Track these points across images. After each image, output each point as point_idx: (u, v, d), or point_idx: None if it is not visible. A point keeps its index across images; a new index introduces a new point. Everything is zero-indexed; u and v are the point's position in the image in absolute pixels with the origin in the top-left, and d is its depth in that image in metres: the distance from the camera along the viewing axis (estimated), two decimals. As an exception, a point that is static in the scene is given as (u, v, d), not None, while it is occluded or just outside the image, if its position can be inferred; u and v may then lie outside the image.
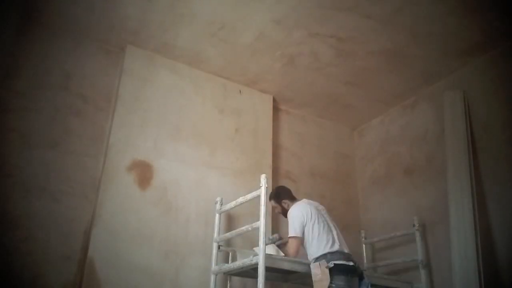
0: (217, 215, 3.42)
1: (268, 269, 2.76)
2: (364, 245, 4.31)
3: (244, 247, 3.50)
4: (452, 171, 3.61)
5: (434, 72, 4.04)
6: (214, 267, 3.24)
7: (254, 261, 2.79)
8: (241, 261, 2.95)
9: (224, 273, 3.23)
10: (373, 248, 4.38)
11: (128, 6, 3.39)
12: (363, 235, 4.35)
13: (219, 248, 3.33)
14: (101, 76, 3.73)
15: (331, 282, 2.76)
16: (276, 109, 4.53)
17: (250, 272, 3.09)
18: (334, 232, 3.06)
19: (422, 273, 3.66)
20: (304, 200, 3.27)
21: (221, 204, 3.43)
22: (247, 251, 3.22)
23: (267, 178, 2.99)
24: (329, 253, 2.91)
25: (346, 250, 3.00)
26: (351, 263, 2.90)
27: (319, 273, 2.79)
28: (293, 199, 3.36)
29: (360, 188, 4.79)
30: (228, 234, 3.33)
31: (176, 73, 3.97)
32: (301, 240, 3.05)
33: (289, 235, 3.09)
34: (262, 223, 2.83)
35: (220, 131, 4.02)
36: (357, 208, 4.70)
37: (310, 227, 3.03)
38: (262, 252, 2.73)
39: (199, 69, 4.08)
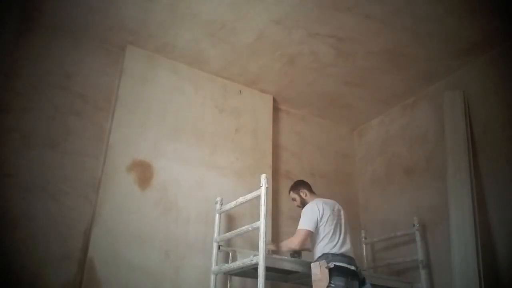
0: (217, 215, 3.42)
1: (268, 269, 2.76)
2: (364, 245, 4.30)
3: (244, 247, 3.50)
4: (452, 171, 3.61)
5: (434, 72, 4.04)
6: (214, 267, 3.24)
7: (254, 261, 2.80)
8: (241, 261, 2.96)
9: (224, 273, 3.23)
10: (373, 248, 4.38)
11: (128, 6, 3.40)
12: (363, 235, 4.35)
13: (219, 248, 3.33)
14: (101, 76, 3.73)
15: (330, 283, 2.76)
16: (276, 109, 4.53)
17: (250, 272, 3.09)
18: (342, 235, 3.05)
19: (422, 273, 3.66)
20: (322, 199, 3.25)
21: (221, 204, 3.43)
22: (247, 251, 3.22)
23: (267, 178, 3.00)
24: (331, 254, 2.92)
25: (350, 254, 3.01)
26: (353, 267, 2.91)
27: (319, 273, 2.78)
28: (312, 192, 3.37)
29: (360, 188, 4.79)
30: (228, 234, 3.33)
31: (176, 73, 3.97)
32: (309, 234, 3.04)
33: (299, 227, 3.07)
34: (262, 223, 2.83)
35: (220, 131, 4.02)
36: (357, 208, 4.69)
37: (320, 227, 3.04)
38: (262, 252, 2.73)
39: (199, 69, 4.08)
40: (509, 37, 3.57)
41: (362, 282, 2.96)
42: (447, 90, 3.97)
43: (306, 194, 3.34)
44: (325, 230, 3.02)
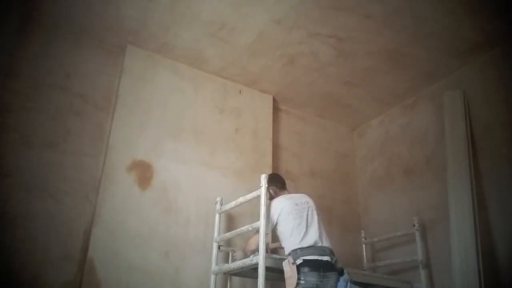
0: (217, 215, 3.42)
1: (268, 269, 2.76)
2: (364, 245, 4.31)
3: (244, 247, 3.50)
4: (452, 171, 3.61)
5: (434, 72, 4.04)
6: (214, 267, 3.24)
7: (254, 261, 2.79)
8: (241, 261, 2.96)
9: (224, 273, 3.23)
10: (373, 248, 4.38)
11: (128, 6, 3.39)
12: (363, 235, 4.35)
13: (219, 248, 3.33)
14: (101, 76, 3.73)
15: (299, 279, 2.66)
16: (276, 109, 4.53)
17: (250, 272, 3.09)
18: (313, 228, 2.91)
19: (422, 273, 3.66)
20: (286, 195, 3.18)
21: (221, 204, 3.43)
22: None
23: (267, 178, 2.99)
24: (299, 248, 2.80)
25: (322, 244, 2.86)
26: (326, 258, 2.76)
27: (289, 270, 2.71)
28: (282, 189, 3.28)
29: (360, 188, 4.79)
30: (228, 234, 3.33)
31: (176, 73, 3.97)
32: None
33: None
34: (262, 223, 2.83)
35: (220, 131, 4.02)
36: (357, 208, 4.70)
37: (283, 223, 2.95)
38: (262, 252, 2.73)
39: (199, 69, 4.08)
40: (509, 37, 3.57)
41: (341, 273, 2.79)
42: (447, 90, 3.97)
43: (275, 192, 3.25)
44: (289, 226, 2.92)
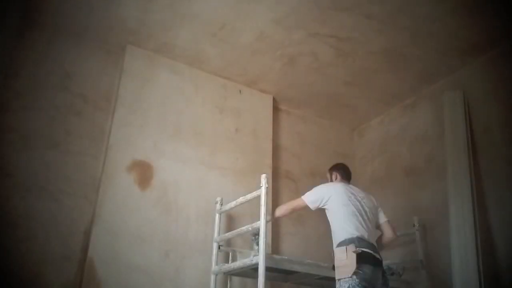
0: (217, 215, 3.42)
1: (268, 269, 2.76)
2: (364, 245, 4.30)
3: (244, 247, 3.50)
4: (452, 171, 3.61)
5: (434, 72, 4.04)
6: (214, 267, 3.24)
7: (254, 261, 2.80)
8: (241, 261, 2.96)
9: (224, 273, 3.23)
10: (373, 248, 4.37)
11: (128, 6, 3.40)
12: (363, 235, 4.34)
13: (219, 248, 3.33)
14: (101, 76, 3.73)
15: (357, 269, 2.58)
16: (276, 109, 4.53)
17: (250, 272, 3.09)
18: (366, 221, 2.85)
19: (422, 273, 3.66)
20: (344, 184, 3.11)
21: (221, 204, 3.43)
22: (247, 251, 3.22)
23: (267, 178, 2.99)
24: (357, 238, 2.72)
25: (373, 243, 2.82)
26: (378, 256, 2.74)
27: (345, 258, 2.64)
28: (344, 179, 3.21)
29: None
30: (228, 234, 3.33)
31: (176, 73, 3.97)
32: (302, 208, 3.06)
33: (302, 196, 3.06)
34: (262, 223, 2.83)
35: (220, 131, 4.02)
36: (357, 208, 4.69)
37: (335, 208, 2.89)
38: (262, 252, 2.73)
39: (199, 69, 4.08)
40: (509, 37, 3.57)
41: (383, 272, 2.79)
42: (447, 90, 3.97)
43: (336, 177, 3.24)
44: (345, 213, 2.84)
